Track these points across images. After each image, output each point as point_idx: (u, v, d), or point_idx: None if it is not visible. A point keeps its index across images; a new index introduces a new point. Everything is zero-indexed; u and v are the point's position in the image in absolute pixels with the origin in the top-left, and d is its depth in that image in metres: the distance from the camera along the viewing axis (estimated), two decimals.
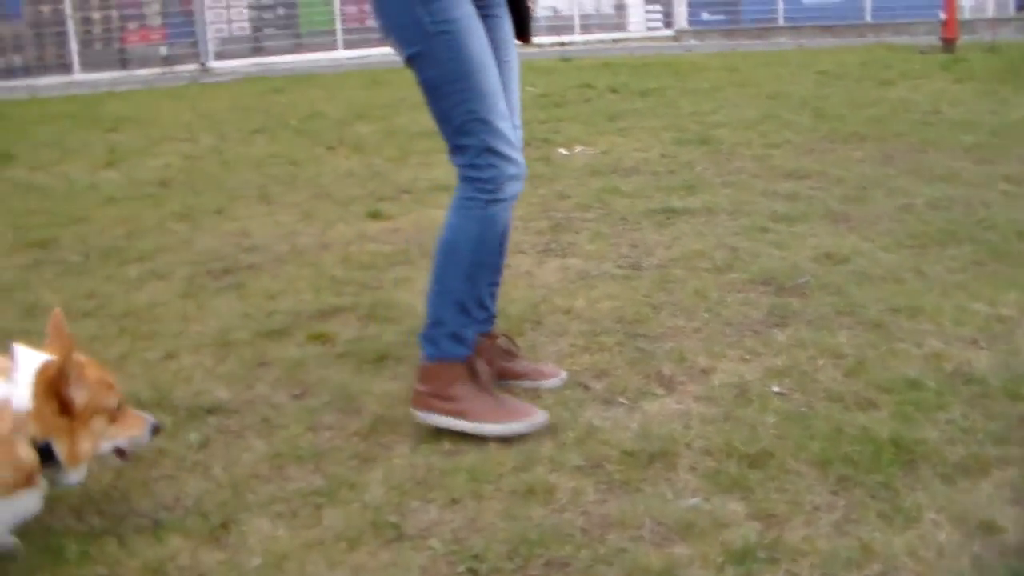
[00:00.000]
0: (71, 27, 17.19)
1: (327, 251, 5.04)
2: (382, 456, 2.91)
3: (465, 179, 2.97)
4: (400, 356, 3.61)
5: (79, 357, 2.43)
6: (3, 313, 4.40)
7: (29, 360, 2.40)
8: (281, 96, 11.12)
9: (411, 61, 2.90)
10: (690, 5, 19.95)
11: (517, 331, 3.73)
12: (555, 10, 18.92)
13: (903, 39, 16.97)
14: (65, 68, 17.07)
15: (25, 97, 13.20)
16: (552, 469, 2.78)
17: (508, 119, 2.97)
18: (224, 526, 2.62)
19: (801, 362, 3.41)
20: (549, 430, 2.98)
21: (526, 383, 3.27)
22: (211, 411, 3.29)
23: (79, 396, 2.39)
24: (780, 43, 17.23)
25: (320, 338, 3.84)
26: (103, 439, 2.50)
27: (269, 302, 4.29)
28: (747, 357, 3.50)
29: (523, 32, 3.16)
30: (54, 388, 2.35)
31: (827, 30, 19.19)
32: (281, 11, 18.21)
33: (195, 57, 17.31)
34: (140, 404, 3.26)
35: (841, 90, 10.25)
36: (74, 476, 2.46)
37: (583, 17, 19.21)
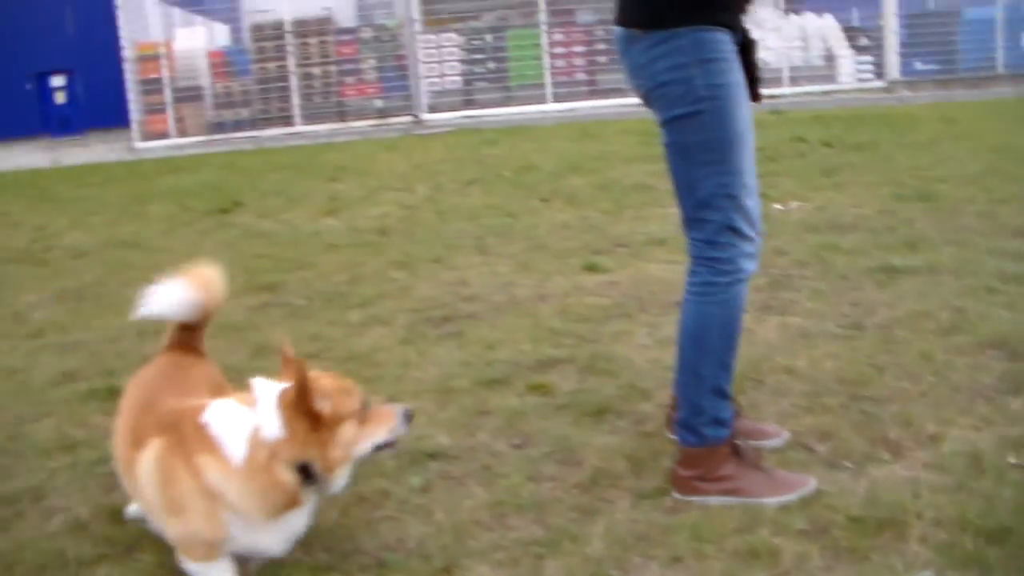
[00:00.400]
0: (294, 82, 18.02)
1: (544, 302, 5.10)
2: (603, 509, 2.93)
3: (701, 260, 2.95)
4: (619, 410, 3.62)
5: (313, 373, 2.53)
6: (235, 352, 4.63)
7: (269, 390, 2.54)
8: (493, 148, 11.34)
9: (672, 122, 2.90)
10: (902, 54, 19.41)
11: (739, 389, 3.68)
12: (764, 62, 18.72)
13: None
14: (288, 120, 17.89)
15: (251, 148, 13.89)
16: (776, 532, 2.73)
17: (755, 195, 2.95)
18: (446, 570, 2.68)
19: None
20: None
21: (750, 442, 3.22)
22: (433, 456, 3.37)
23: (324, 406, 2.49)
24: (1000, 92, 16.55)
25: (539, 389, 3.89)
26: (358, 443, 2.58)
27: (488, 351, 4.37)
28: (979, 425, 3.36)
29: (754, 91, 3.11)
30: (299, 408, 2.47)
31: None
32: (492, 65, 18.58)
33: (408, 109, 17.85)
34: None
35: None
36: (336, 485, 2.57)
37: (792, 69, 18.92)
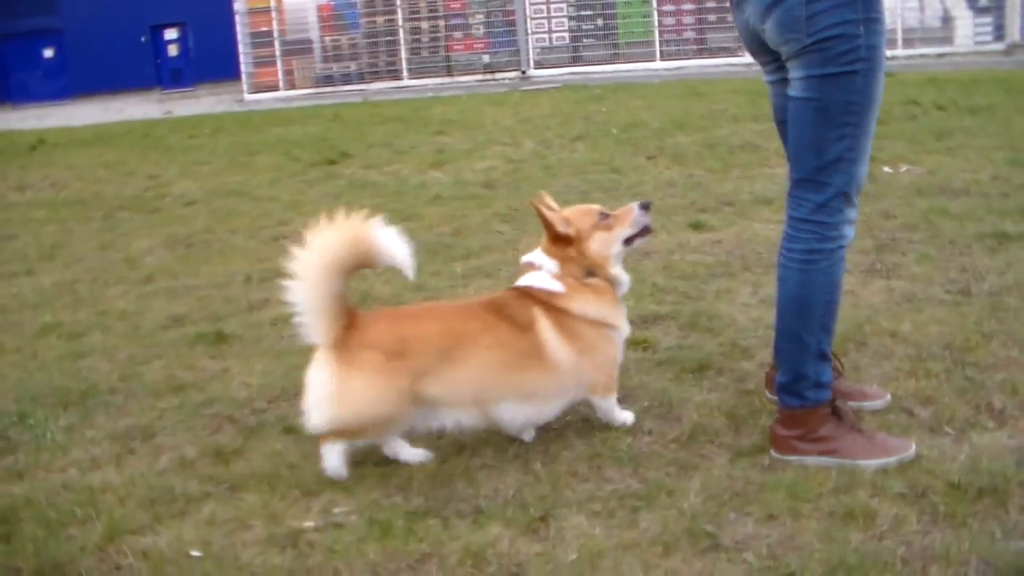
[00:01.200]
0: (401, 36, 18.13)
1: (649, 259, 5.11)
2: (700, 465, 2.94)
3: (807, 223, 2.90)
4: (720, 367, 3.63)
5: (553, 213, 3.18)
6: None
7: (532, 256, 3.29)
8: (600, 104, 11.30)
9: (821, 79, 2.80)
10: None
11: (841, 351, 3.65)
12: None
13: None
14: (395, 74, 18.03)
15: (359, 101, 14.04)
16: (873, 494, 2.72)
17: (867, 162, 2.91)
18: (542, 519, 2.72)
19: None
20: None
21: (850, 404, 3.20)
22: None
23: (568, 231, 3.15)
24: None
25: (642, 344, 3.91)
26: (609, 244, 3.18)
27: None
28: None
29: None
30: (554, 241, 3.19)
31: None
32: (600, 22, 18.48)
33: (516, 65, 17.86)
34: None
35: None
36: (620, 279, 3.21)
37: (906, 31, 18.44)
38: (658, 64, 17.60)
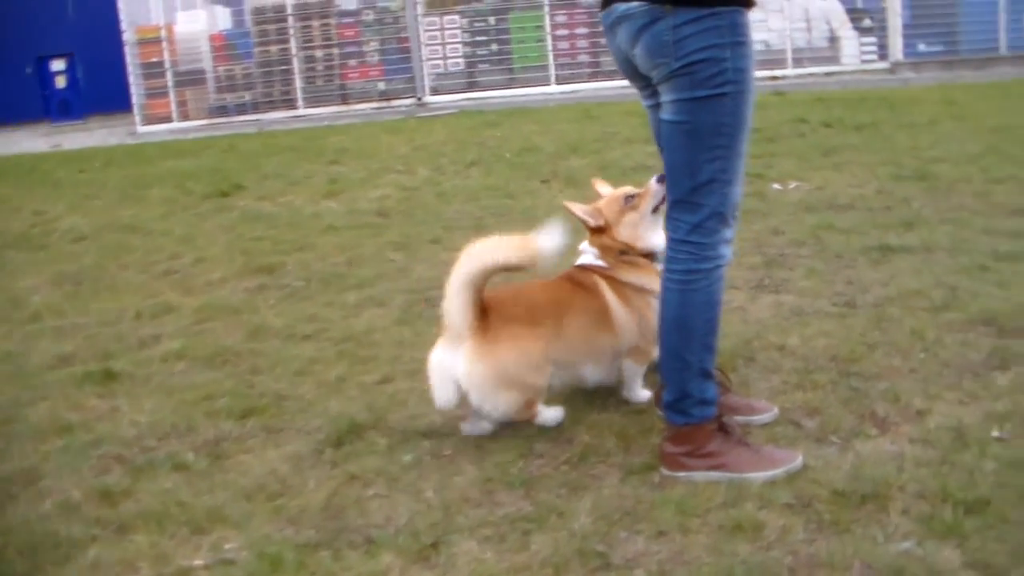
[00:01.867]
0: (296, 65, 18.02)
1: None
2: (591, 485, 2.96)
3: (684, 244, 2.94)
4: (610, 388, 3.65)
5: (581, 207, 3.58)
6: (231, 333, 4.68)
7: (582, 245, 3.65)
8: (495, 130, 11.35)
9: (690, 102, 2.84)
10: (906, 36, 19.35)
11: (730, 366, 3.72)
12: (767, 44, 18.63)
13: None
14: (290, 104, 17.90)
15: (254, 131, 13.91)
16: (761, 506, 2.77)
17: (742, 183, 2.97)
18: (434, 546, 2.72)
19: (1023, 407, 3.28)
20: None
21: (739, 418, 3.25)
22: (425, 435, 3.42)
23: (597, 221, 3.55)
24: (1002, 73, 16.52)
25: None
26: (638, 223, 3.53)
27: None
28: (965, 400, 3.39)
29: None
30: (591, 231, 3.58)
31: None
32: (495, 47, 18.56)
33: (411, 92, 17.85)
34: (356, 425, 3.44)
35: None
36: (658, 247, 3.44)
37: (795, 51, 18.88)
38: (553, 88, 17.73)
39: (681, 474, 2.96)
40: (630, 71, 3.04)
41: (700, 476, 2.94)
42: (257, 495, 3.08)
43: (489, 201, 7.39)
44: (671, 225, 3.00)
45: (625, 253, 3.53)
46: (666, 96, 2.90)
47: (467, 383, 3.22)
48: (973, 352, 3.81)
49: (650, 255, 3.53)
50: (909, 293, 4.55)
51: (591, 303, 3.45)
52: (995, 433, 3.12)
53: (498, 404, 3.25)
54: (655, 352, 3.40)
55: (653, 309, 3.33)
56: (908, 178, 7.24)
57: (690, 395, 2.98)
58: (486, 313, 3.28)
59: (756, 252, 5.41)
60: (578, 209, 3.57)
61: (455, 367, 3.23)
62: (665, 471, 3.00)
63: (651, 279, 3.44)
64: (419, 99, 17.55)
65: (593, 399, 3.57)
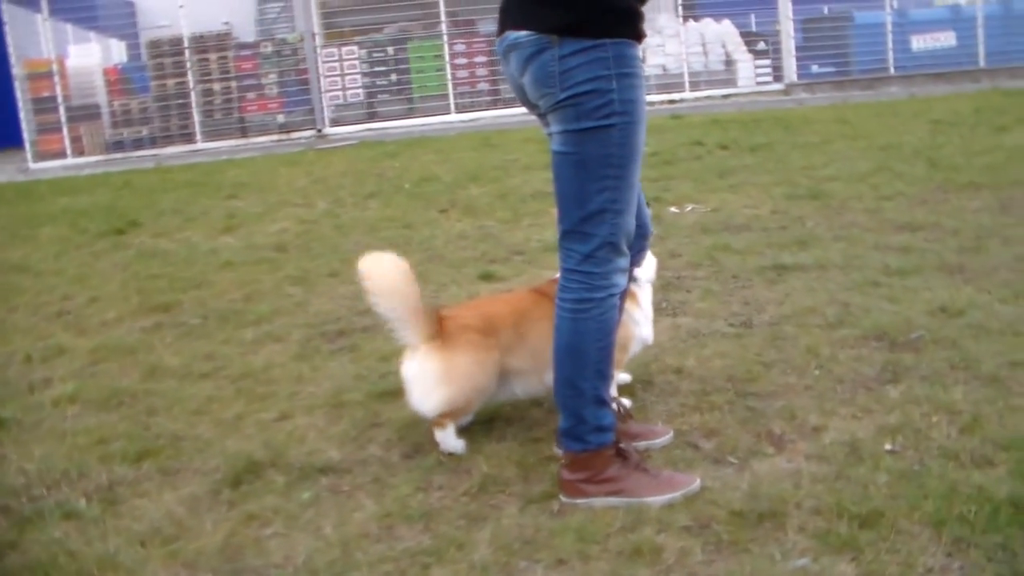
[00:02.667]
0: (193, 99, 17.80)
1: None
2: (491, 516, 2.94)
3: (576, 273, 2.93)
4: (509, 416, 3.65)
5: None
6: (127, 374, 4.57)
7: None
8: (395, 160, 11.32)
9: (577, 133, 2.84)
10: (799, 58, 19.79)
11: (628, 392, 3.75)
12: (664, 68, 18.93)
13: (1018, 83, 16.60)
14: (189, 138, 17.66)
15: (151, 166, 13.69)
16: (660, 529, 2.77)
17: (634, 211, 2.97)
18: None
19: (915, 419, 3.35)
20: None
21: (641, 443, 3.26)
22: (323, 471, 3.36)
23: None
24: (892, 92, 16.97)
25: None
26: None
27: (382, 364, 4.36)
28: (859, 415, 3.45)
29: None
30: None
31: (940, 77, 18.81)
32: (394, 77, 18.54)
33: (311, 124, 17.74)
34: (253, 464, 3.38)
35: (955, 138, 10.05)
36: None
37: (692, 74, 19.20)
38: (453, 117, 17.77)
39: (580, 501, 2.96)
40: (524, 98, 3.04)
41: (599, 502, 2.94)
42: (152, 540, 3.00)
43: (388, 232, 7.36)
44: (563, 254, 2.99)
45: None
46: (554, 127, 2.91)
47: (411, 375, 3.39)
48: (866, 367, 3.88)
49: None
50: (804, 311, 4.62)
51: (552, 310, 3.42)
52: (888, 446, 3.17)
53: (432, 398, 3.35)
54: (624, 359, 3.59)
55: (624, 325, 3.41)
56: (802, 197, 7.39)
57: (585, 422, 2.97)
58: (444, 318, 3.45)
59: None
60: None
61: (409, 368, 3.41)
62: (564, 498, 2.99)
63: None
64: (319, 131, 17.46)
65: (491, 429, 3.56)
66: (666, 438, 3.34)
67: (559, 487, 3.02)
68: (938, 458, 3.06)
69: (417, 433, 3.56)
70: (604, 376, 3.01)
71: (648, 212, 3.32)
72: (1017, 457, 3.00)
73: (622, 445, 3.05)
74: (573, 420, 2.99)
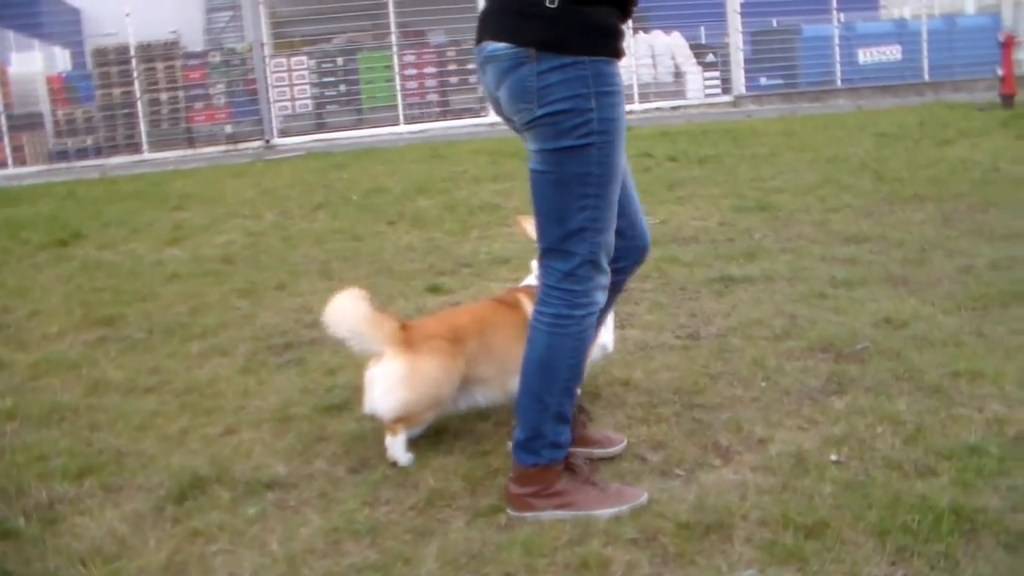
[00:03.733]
0: (140, 108, 17.65)
1: None
2: (438, 530, 2.92)
3: (556, 290, 2.90)
4: (457, 430, 3.63)
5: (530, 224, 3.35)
6: (69, 389, 4.49)
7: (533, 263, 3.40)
8: (343, 171, 11.28)
9: (555, 152, 2.80)
10: (748, 70, 20.00)
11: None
12: None
13: (961, 96, 16.88)
14: (135, 148, 17.50)
15: (96, 177, 13.53)
16: (607, 542, 2.77)
17: (614, 229, 2.94)
18: None
19: (859, 429, 3.38)
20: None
21: (598, 451, 3.30)
22: (269, 486, 3.32)
23: None
24: (839, 105, 17.20)
25: None
26: None
27: (328, 377, 4.34)
28: (805, 426, 3.47)
29: None
30: None
31: (886, 90, 19.11)
32: (343, 87, 18.51)
33: (259, 134, 17.65)
34: (198, 479, 3.33)
35: (900, 151, 10.19)
36: None
37: (641, 86, 19.32)
38: (402, 128, 17.76)
39: (528, 514, 2.94)
40: (500, 111, 2.98)
41: (547, 515, 2.93)
42: (93, 559, 2.95)
43: (335, 244, 7.32)
44: (543, 271, 2.95)
45: None
46: (530, 144, 2.87)
47: (373, 376, 3.41)
48: (812, 378, 3.91)
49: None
50: (751, 323, 4.65)
51: (515, 318, 3.50)
52: (833, 457, 3.20)
53: (391, 399, 3.37)
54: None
55: None
56: (750, 209, 7.44)
57: (543, 436, 2.95)
58: (409, 327, 3.48)
59: None
60: (529, 226, 3.58)
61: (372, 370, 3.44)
62: (512, 512, 2.98)
63: None
64: (267, 142, 17.37)
65: (439, 443, 3.54)
66: (621, 446, 3.35)
67: (506, 500, 3.00)
68: (882, 468, 3.08)
69: (364, 447, 3.54)
70: (570, 394, 2.99)
71: (645, 225, 3.26)
72: (959, 466, 3.03)
73: (572, 459, 3.05)
74: (531, 433, 2.97)
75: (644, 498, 2.98)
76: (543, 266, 2.95)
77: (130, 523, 3.15)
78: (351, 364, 4.46)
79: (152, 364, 4.76)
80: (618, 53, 2.84)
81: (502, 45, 2.81)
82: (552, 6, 2.72)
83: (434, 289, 5.74)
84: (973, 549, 2.59)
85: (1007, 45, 14.96)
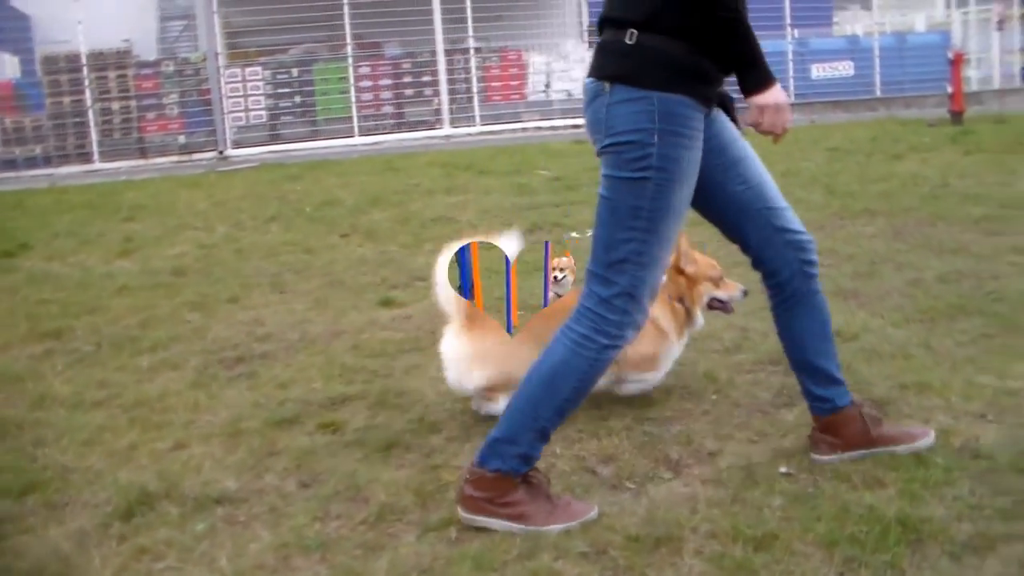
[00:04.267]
0: (91, 117, 17.47)
1: (338, 339, 5.06)
2: (388, 545, 2.91)
3: (590, 312, 2.93)
4: (409, 444, 3.62)
5: (689, 250, 3.97)
6: (13, 403, 4.42)
7: None
8: (297, 183, 11.24)
9: (615, 180, 2.86)
10: None
11: None
12: (569, 93, 19.09)
13: (912, 112, 17.09)
14: (86, 157, 17.32)
15: (45, 186, 13.37)
16: (557, 556, 2.77)
17: (663, 268, 2.99)
18: None
19: (808, 442, 3.39)
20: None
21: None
22: (219, 501, 3.29)
23: (689, 267, 3.96)
24: (792, 119, 17.34)
25: (330, 427, 3.85)
26: (707, 297, 4.01)
27: (280, 391, 4.31)
28: (755, 438, 3.50)
29: (733, 122, 3.19)
30: (676, 267, 3.93)
31: (838, 105, 19.32)
32: (298, 99, 18.45)
33: (213, 145, 17.54)
34: (146, 495, 3.29)
35: (852, 165, 10.29)
36: (697, 320, 4.02)
37: (577, 100, 19.41)
38: (357, 140, 17.71)
39: (479, 518, 2.94)
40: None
41: (497, 524, 2.92)
42: None
43: (288, 257, 7.29)
44: (585, 292, 2.98)
45: (681, 302, 3.95)
46: (602, 169, 2.93)
47: (447, 356, 3.79)
48: (762, 391, 3.94)
49: (691, 320, 3.99)
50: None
51: None
52: (782, 469, 3.22)
53: (471, 379, 3.75)
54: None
55: (658, 342, 3.87)
56: (701, 222, 7.40)
57: (518, 444, 2.95)
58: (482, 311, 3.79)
59: None
60: (685, 244, 3.93)
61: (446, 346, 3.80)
62: (463, 513, 2.97)
63: (669, 326, 3.91)
64: (221, 152, 17.26)
65: (389, 457, 3.53)
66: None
67: (459, 501, 2.99)
68: (831, 480, 3.11)
69: (315, 461, 3.52)
70: (562, 415, 3.00)
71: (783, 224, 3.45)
72: (906, 477, 3.06)
73: (531, 474, 3.04)
74: (508, 435, 2.96)
75: (594, 513, 2.98)
76: (586, 286, 2.99)
77: (75, 541, 3.10)
78: (302, 378, 4.45)
79: (100, 378, 4.70)
80: (697, 95, 2.87)
81: (589, 80, 2.95)
82: (630, 42, 2.82)
83: (386, 302, 5.72)
84: (919, 559, 2.62)
85: (956, 62, 15.17)
